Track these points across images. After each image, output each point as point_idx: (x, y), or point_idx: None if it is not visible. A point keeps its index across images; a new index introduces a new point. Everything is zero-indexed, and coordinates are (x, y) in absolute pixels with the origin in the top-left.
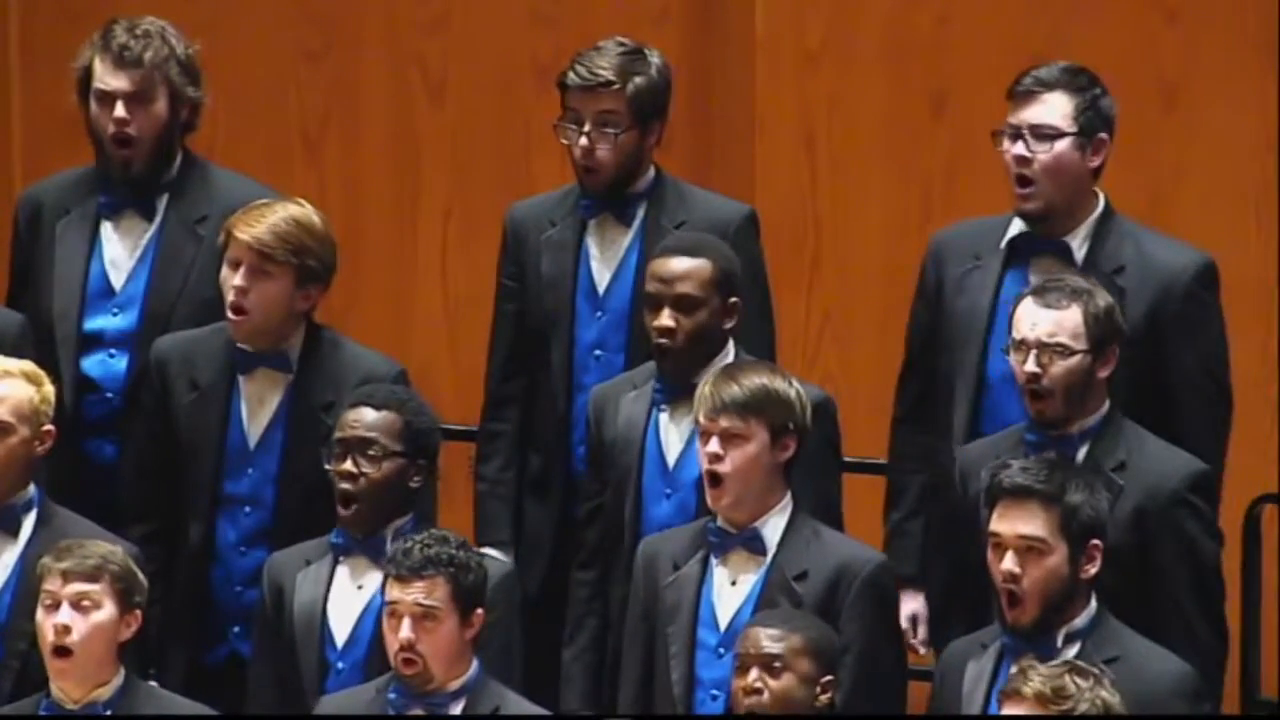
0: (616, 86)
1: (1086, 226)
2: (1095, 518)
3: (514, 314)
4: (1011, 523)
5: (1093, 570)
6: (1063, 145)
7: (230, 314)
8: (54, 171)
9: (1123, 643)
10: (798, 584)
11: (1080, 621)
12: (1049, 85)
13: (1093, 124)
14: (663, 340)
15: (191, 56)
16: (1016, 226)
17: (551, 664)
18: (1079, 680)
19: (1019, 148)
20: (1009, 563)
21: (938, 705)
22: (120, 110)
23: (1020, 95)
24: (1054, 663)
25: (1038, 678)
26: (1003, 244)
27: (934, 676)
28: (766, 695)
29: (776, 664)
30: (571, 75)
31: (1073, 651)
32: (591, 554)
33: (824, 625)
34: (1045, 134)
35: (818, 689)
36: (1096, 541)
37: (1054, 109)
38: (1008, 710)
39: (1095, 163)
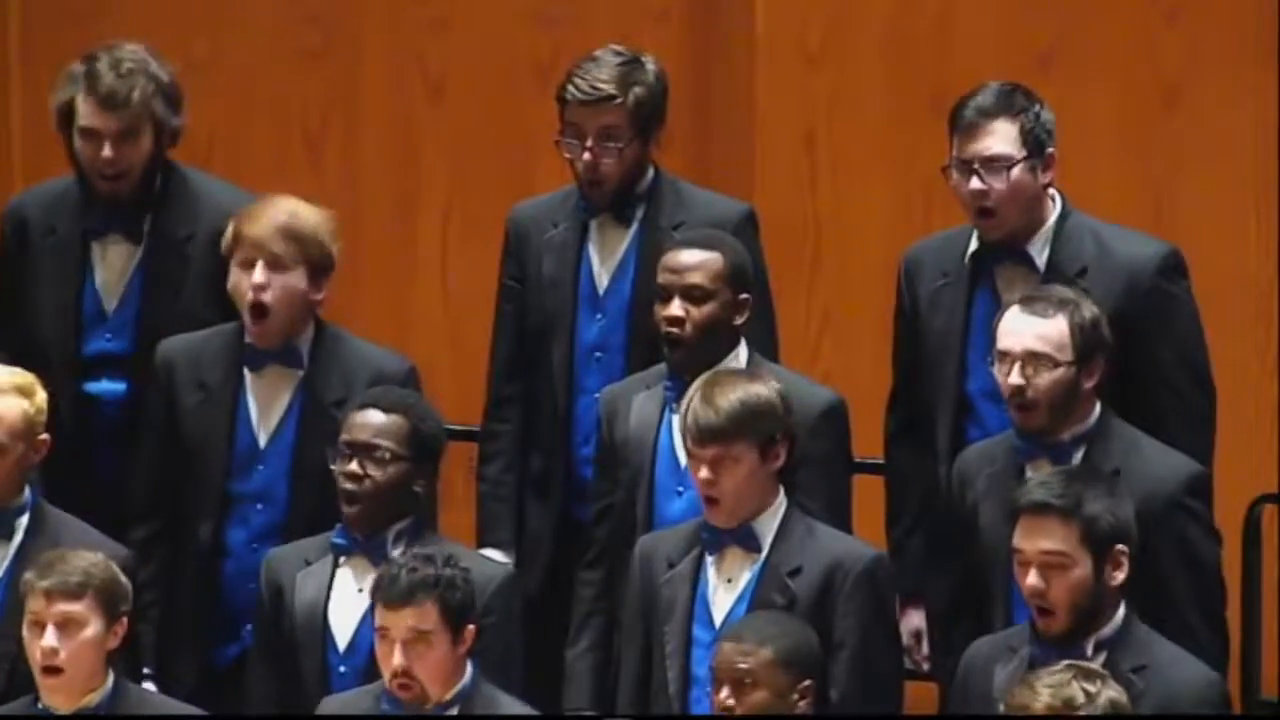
0: (618, 100)
1: (1045, 232)
2: (1116, 524)
3: (515, 315)
4: (1033, 539)
5: (1120, 576)
6: (1016, 172)
7: (251, 317)
8: (55, 172)
9: (1151, 651)
10: (791, 580)
11: (1109, 630)
12: (991, 114)
13: (1040, 142)
14: (672, 330)
15: (174, 82)
16: (978, 241)
17: (552, 665)
18: (1085, 685)
19: (974, 182)
20: (1033, 578)
21: (958, 704)
22: (108, 151)
23: (965, 128)
24: (1053, 668)
25: (1045, 690)
26: (966, 259)
27: (955, 675)
28: (740, 712)
29: (747, 680)
30: (571, 90)
31: (1101, 660)
32: (599, 553)
33: (799, 628)
34: (998, 166)
35: (795, 695)
36: (1122, 547)
37: (1002, 138)
38: None
39: (1047, 178)
